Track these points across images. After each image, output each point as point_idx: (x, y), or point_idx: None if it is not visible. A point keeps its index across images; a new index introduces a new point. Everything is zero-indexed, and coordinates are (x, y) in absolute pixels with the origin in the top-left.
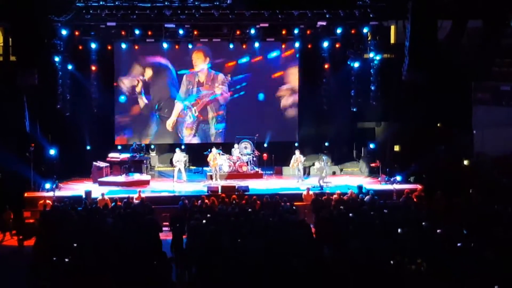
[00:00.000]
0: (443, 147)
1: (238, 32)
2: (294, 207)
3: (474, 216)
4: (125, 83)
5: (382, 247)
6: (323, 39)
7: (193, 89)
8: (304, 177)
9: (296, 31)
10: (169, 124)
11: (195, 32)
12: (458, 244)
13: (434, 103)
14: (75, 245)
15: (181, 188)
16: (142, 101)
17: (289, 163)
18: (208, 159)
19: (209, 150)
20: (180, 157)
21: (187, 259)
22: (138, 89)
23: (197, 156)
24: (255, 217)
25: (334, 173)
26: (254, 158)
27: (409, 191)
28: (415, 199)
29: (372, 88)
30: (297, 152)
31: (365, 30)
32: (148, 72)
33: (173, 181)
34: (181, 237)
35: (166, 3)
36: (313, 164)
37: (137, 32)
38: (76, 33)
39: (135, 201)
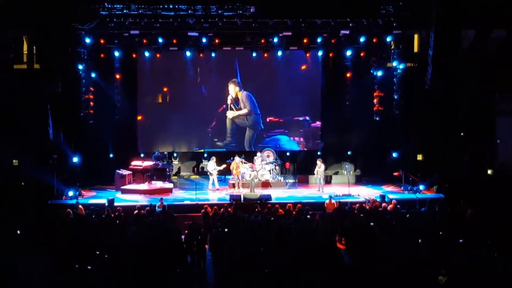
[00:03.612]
0: (466, 156)
1: (262, 41)
2: (310, 216)
3: (497, 227)
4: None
5: (403, 257)
6: (346, 47)
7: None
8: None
9: (319, 40)
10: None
11: (216, 41)
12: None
13: (457, 113)
14: (97, 252)
15: (204, 196)
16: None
17: (312, 171)
18: (231, 167)
19: (231, 158)
20: (214, 166)
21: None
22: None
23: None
24: (277, 226)
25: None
26: (277, 167)
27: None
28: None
29: (395, 97)
30: (318, 161)
31: (388, 39)
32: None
33: (213, 189)
34: (203, 245)
35: (189, 11)
36: (335, 173)
37: (160, 40)
38: (102, 41)
39: (157, 209)
